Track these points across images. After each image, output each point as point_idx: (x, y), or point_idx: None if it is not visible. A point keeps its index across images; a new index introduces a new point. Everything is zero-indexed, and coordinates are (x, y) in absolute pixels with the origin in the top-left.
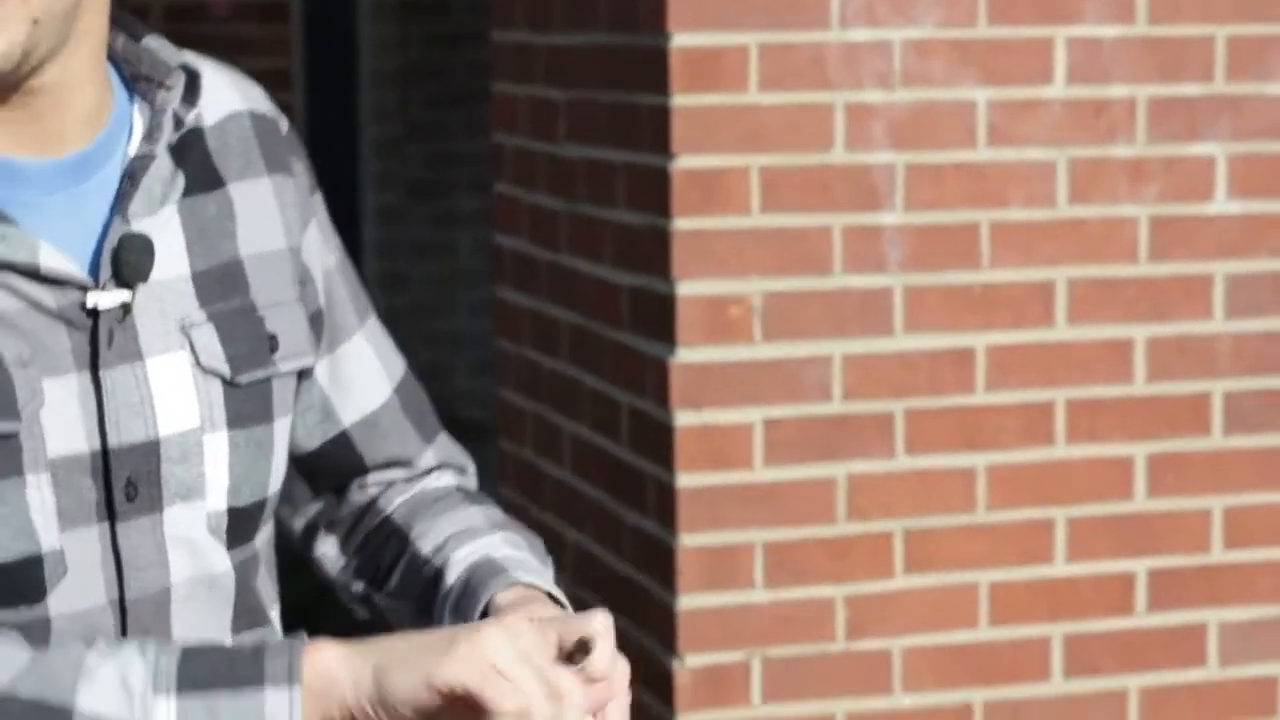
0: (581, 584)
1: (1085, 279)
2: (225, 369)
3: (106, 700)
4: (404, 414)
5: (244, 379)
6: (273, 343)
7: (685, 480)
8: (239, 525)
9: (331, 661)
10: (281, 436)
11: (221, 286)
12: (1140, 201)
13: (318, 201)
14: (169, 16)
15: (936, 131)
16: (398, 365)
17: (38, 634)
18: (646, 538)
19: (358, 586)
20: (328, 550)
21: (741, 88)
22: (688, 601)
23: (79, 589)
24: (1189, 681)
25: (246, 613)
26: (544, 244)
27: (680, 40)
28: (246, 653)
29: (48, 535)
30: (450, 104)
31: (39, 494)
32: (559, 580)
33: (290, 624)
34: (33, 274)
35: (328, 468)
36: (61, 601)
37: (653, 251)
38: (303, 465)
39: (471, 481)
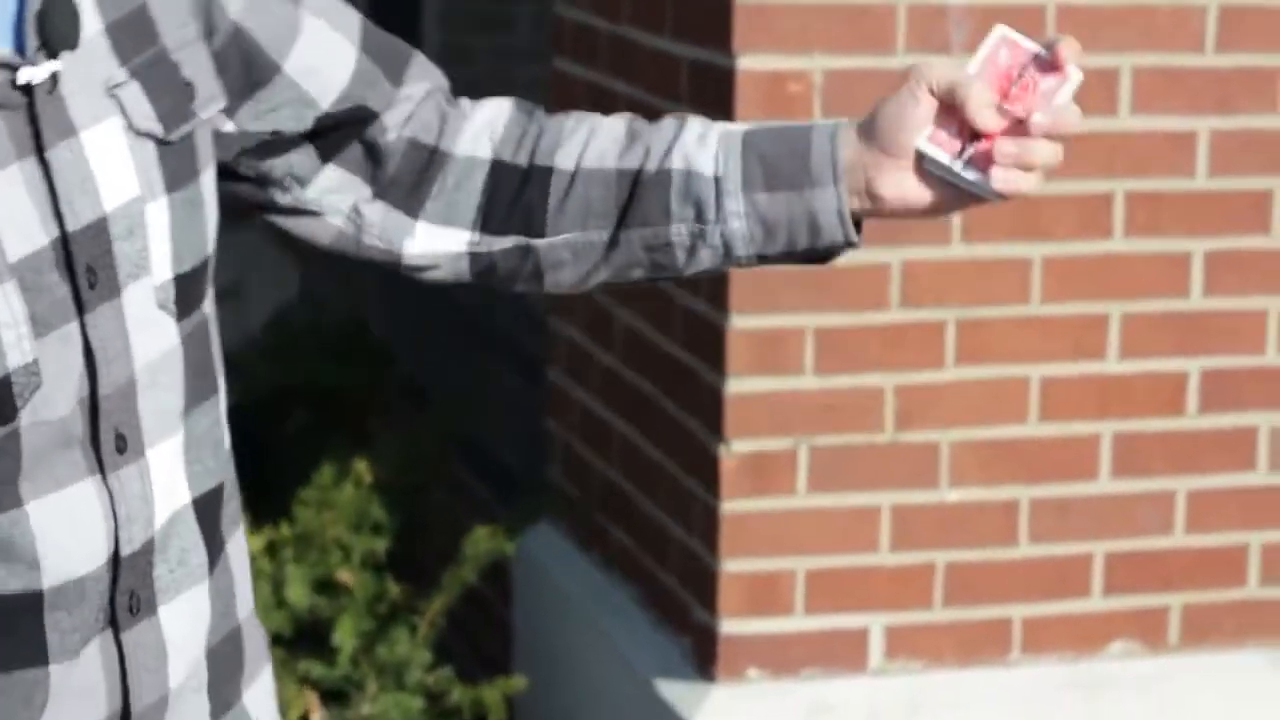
0: (628, 362)
1: (1150, 67)
2: (158, 128)
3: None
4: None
5: (175, 135)
6: (190, 90)
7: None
8: (186, 293)
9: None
10: (209, 188)
11: (135, 38)
12: None
13: None
14: None
15: None
16: (353, 22)
17: (8, 449)
18: (697, 318)
19: (505, 242)
20: (436, 232)
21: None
22: (736, 385)
23: (52, 397)
24: (1238, 485)
25: (199, 382)
26: (605, 15)
27: None
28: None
29: (19, 349)
30: None
31: (7, 305)
32: (608, 362)
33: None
34: None
35: (338, 137)
36: (34, 413)
37: (714, 23)
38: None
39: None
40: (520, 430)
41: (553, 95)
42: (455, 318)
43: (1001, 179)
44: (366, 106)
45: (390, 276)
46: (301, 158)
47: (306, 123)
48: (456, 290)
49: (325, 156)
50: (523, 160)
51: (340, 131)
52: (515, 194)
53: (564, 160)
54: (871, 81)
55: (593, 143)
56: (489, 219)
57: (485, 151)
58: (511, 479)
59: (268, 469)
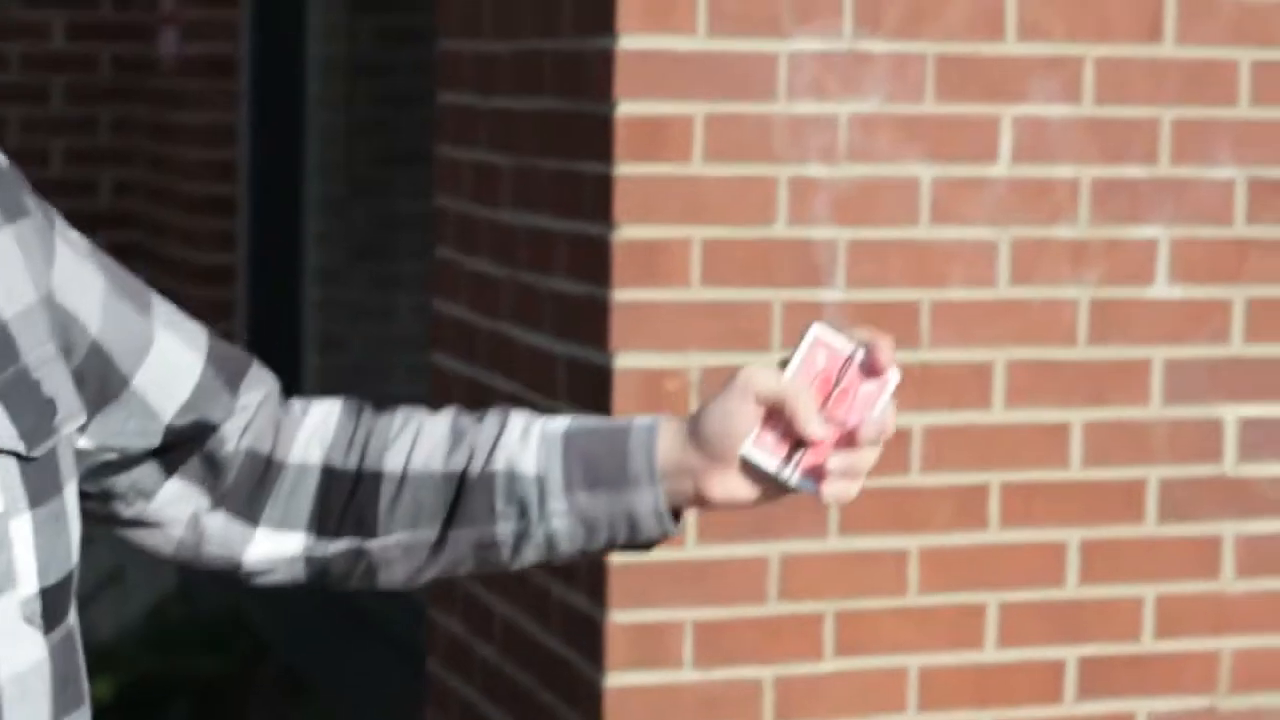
0: (508, 655)
1: (1024, 361)
2: (20, 445)
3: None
4: (217, 375)
5: (37, 452)
6: (52, 406)
7: (617, 558)
8: (52, 605)
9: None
10: (72, 501)
11: None
12: (1081, 284)
13: (59, 228)
14: (117, 66)
15: (880, 208)
16: (198, 334)
17: None
18: (575, 612)
19: (339, 545)
20: (270, 536)
21: (686, 158)
22: (616, 679)
23: None
24: None
25: (67, 693)
26: (484, 311)
27: (626, 108)
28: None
29: None
30: (398, 162)
31: None
32: (487, 656)
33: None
34: None
35: (181, 451)
36: None
37: (591, 322)
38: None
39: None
40: None
41: (432, 389)
42: (336, 607)
43: (830, 491)
44: (208, 420)
45: None
46: (145, 473)
47: (153, 439)
48: None
49: (168, 471)
50: (352, 464)
51: (183, 446)
52: (347, 498)
53: (392, 464)
54: None
55: (419, 445)
56: (323, 523)
57: (316, 458)
58: None
59: None
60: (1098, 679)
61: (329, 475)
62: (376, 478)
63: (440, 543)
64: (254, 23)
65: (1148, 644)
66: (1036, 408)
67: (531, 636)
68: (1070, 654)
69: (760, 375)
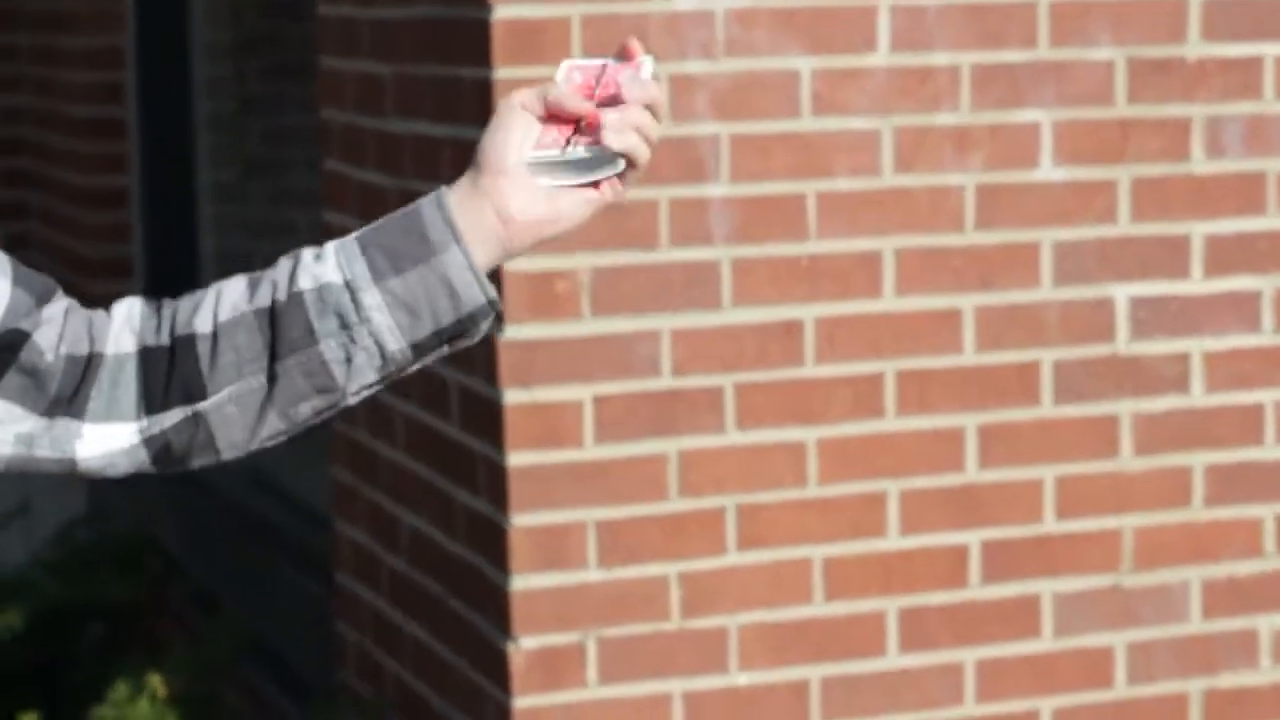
0: (415, 564)
1: (912, 249)
2: None
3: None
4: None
5: None
6: None
7: (516, 459)
8: None
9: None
10: None
11: None
12: (966, 170)
13: None
14: None
15: (761, 101)
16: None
17: None
18: (479, 518)
19: (172, 417)
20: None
21: (564, 58)
22: (521, 582)
23: None
24: (1024, 654)
25: None
26: (373, 220)
27: (502, 12)
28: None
29: None
30: (286, 77)
31: None
32: (395, 565)
33: None
34: None
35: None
36: None
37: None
38: None
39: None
40: (312, 634)
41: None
42: (244, 523)
43: (615, 139)
44: (19, 332)
45: (176, 485)
46: None
47: None
48: (243, 495)
49: None
50: (165, 339)
51: None
52: (168, 369)
53: (202, 324)
54: (637, 276)
55: (223, 299)
56: (151, 401)
57: (130, 344)
58: (304, 683)
59: (62, 690)
60: (1001, 562)
61: (145, 354)
62: (190, 340)
63: (271, 379)
64: None
65: (1049, 525)
66: (927, 295)
67: (438, 543)
68: (973, 538)
69: (518, 92)
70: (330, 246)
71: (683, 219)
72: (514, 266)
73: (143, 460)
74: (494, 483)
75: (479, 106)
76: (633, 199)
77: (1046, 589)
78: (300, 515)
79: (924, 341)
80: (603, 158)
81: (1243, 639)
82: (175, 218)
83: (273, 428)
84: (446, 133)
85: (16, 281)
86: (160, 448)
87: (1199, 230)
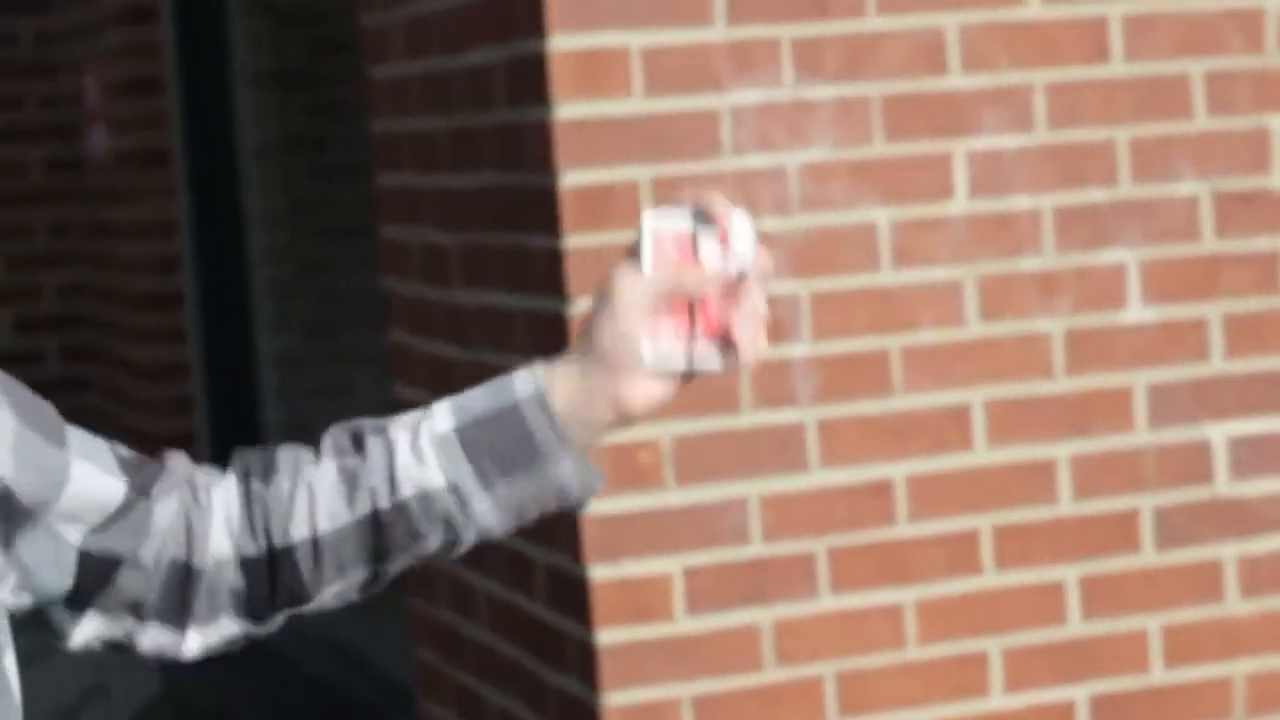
0: None
1: (1002, 399)
2: None
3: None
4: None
5: None
6: None
7: (605, 637)
8: None
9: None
10: (11, 667)
11: None
12: (1053, 315)
13: None
14: (51, 168)
15: (839, 256)
16: (107, 453)
17: None
18: (570, 698)
19: (278, 620)
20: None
21: (634, 224)
22: None
23: None
24: None
25: None
26: (445, 393)
27: (570, 179)
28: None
29: None
30: (342, 239)
31: None
32: None
33: None
34: None
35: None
36: None
37: None
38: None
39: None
40: None
41: None
42: (325, 700)
43: (748, 346)
44: (121, 549)
45: (254, 662)
46: (58, 615)
47: (67, 576)
48: (324, 670)
49: (81, 607)
50: (262, 548)
51: (96, 577)
52: (269, 581)
53: (299, 532)
54: (721, 442)
55: (317, 504)
56: (253, 610)
57: (227, 550)
58: None
59: None
60: (1111, 716)
61: (244, 565)
62: (290, 552)
63: (375, 577)
64: (184, 111)
65: (1158, 675)
66: (1019, 445)
67: None
68: (1080, 693)
69: (631, 284)
70: (427, 442)
71: (765, 381)
72: None
73: (238, 645)
74: (584, 662)
75: (550, 275)
76: None
77: None
78: (384, 691)
79: (1019, 493)
80: (731, 364)
81: None
82: (237, 388)
83: (376, 591)
84: (518, 304)
85: (129, 482)
86: (261, 638)
87: None
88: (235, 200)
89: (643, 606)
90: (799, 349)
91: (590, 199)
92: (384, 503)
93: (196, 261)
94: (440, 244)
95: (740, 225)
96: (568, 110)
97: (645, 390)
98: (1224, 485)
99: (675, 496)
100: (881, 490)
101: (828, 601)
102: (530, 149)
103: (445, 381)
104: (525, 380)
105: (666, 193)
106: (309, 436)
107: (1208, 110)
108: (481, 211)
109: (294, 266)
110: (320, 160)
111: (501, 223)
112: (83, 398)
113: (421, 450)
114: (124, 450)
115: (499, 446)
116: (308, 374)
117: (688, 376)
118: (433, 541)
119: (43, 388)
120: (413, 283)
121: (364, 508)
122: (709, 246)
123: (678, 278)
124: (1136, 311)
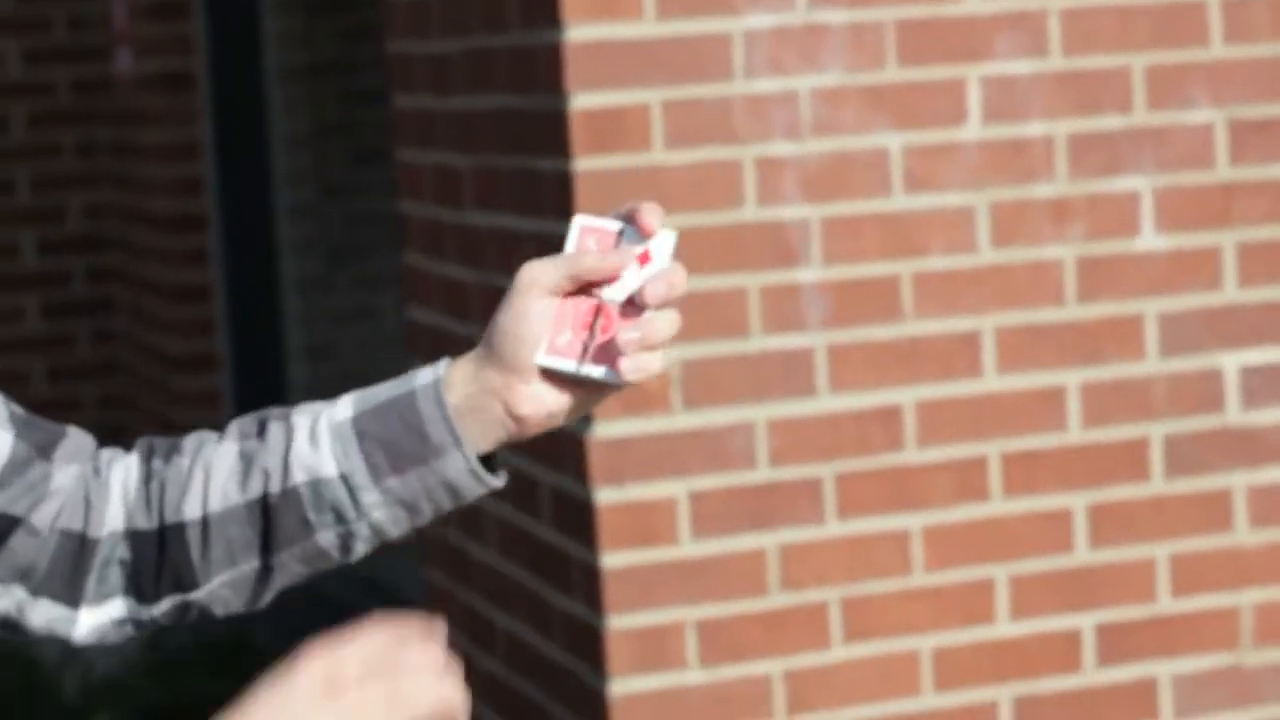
0: (511, 668)
1: (1012, 326)
2: None
3: None
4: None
5: None
6: None
7: (611, 560)
8: None
9: None
10: None
11: None
12: (1065, 242)
13: None
14: (77, 89)
15: (850, 181)
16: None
17: None
18: (575, 620)
19: (163, 605)
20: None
21: (645, 147)
22: (620, 686)
23: None
24: None
25: None
26: (456, 315)
27: (580, 101)
28: None
29: None
30: (366, 162)
31: None
32: (490, 668)
33: None
34: None
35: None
36: None
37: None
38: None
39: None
40: None
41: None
42: (339, 623)
43: (628, 368)
44: (14, 511)
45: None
46: None
47: None
48: (343, 593)
49: None
50: (154, 522)
51: None
52: (158, 558)
53: (191, 510)
54: (729, 366)
55: (212, 482)
56: (140, 589)
57: (120, 522)
58: None
59: None
60: (1116, 645)
61: (134, 539)
62: (180, 529)
63: (266, 568)
64: (209, 34)
65: (1165, 604)
66: (1029, 372)
67: (533, 647)
68: (1086, 621)
69: (538, 266)
70: (324, 428)
71: (774, 306)
72: None
73: (127, 633)
74: (589, 585)
75: (560, 198)
76: (722, 287)
77: (1164, 670)
78: (395, 612)
79: (1028, 421)
80: (618, 380)
81: None
82: (260, 311)
83: (268, 598)
84: (529, 226)
85: (20, 435)
86: (150, 627)
87: None
88: (260, 123)
89: (648, 530)
90: (809, 273)
91: (601, 122)
92: (275, 486)
93: (221, 184)
94: (454, 166)
95: (663, 245)
96: (580, 32)
97: (534, 395)
98: (1235, 414)
99: (682, 420)
100: (890, 416)
101: (834, 527)
102: (542, 71)
103: (459, 304)
104: (427, 372)
105: (677, 115)
106: (331, 361)
107: (1224, 37)
108: (494, 134)
109: (319, 190)
110: (349, 84)
111: (513, 145)
112: (109, 320)
113: (318, 437)
114: (21, 409)
115: (390, 436)
116: (332, 298)
117: (580, 394)
118: (324, 535)
119: (69, 309)
120: (427, 205)
121: (255, 490)
122: (628, 255)
123: (583, 261)
124: (1149, 239)
